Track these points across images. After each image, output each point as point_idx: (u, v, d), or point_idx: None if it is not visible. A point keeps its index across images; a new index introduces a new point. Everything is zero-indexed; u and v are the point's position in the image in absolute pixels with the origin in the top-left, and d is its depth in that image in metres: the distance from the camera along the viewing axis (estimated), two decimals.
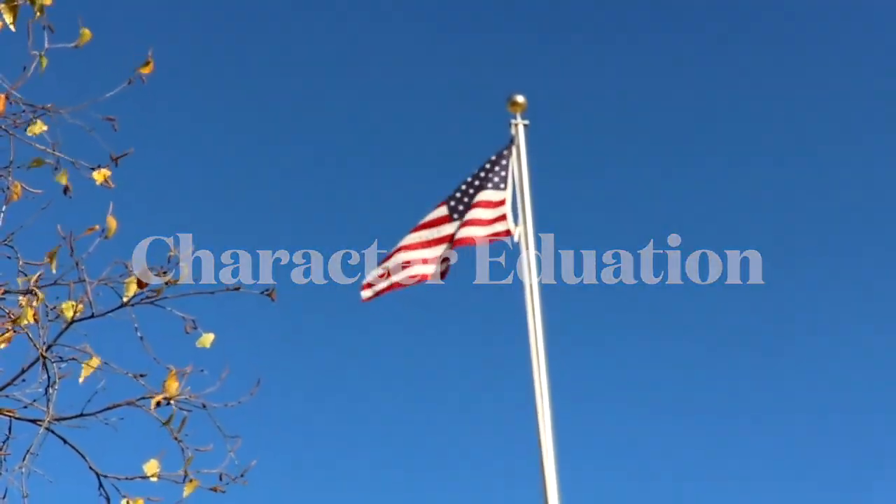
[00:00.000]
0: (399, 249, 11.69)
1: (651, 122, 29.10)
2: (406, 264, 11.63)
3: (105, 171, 6.02)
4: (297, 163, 28.70)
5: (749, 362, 26.95)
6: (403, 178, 28.59)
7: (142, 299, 5.99)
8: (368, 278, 11.75)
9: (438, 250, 11.61)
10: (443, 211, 11.77)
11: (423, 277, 11.67)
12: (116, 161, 6.11)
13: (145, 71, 6.21)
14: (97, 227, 5.82)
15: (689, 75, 29.29)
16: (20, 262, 5.90)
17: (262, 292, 6.15)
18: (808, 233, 28.29)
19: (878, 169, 27.41)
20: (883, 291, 26.57)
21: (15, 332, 5.81)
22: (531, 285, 11.17)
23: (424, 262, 11.59)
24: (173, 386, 5.92)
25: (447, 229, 11.66)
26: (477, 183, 11.72)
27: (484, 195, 11.62)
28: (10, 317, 5.70)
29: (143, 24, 26.38)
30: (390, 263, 11.70)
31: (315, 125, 28.91)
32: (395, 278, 11.65)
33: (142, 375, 6.00)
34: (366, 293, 11.78)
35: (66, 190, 6.22)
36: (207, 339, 6.09)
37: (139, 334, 5.98)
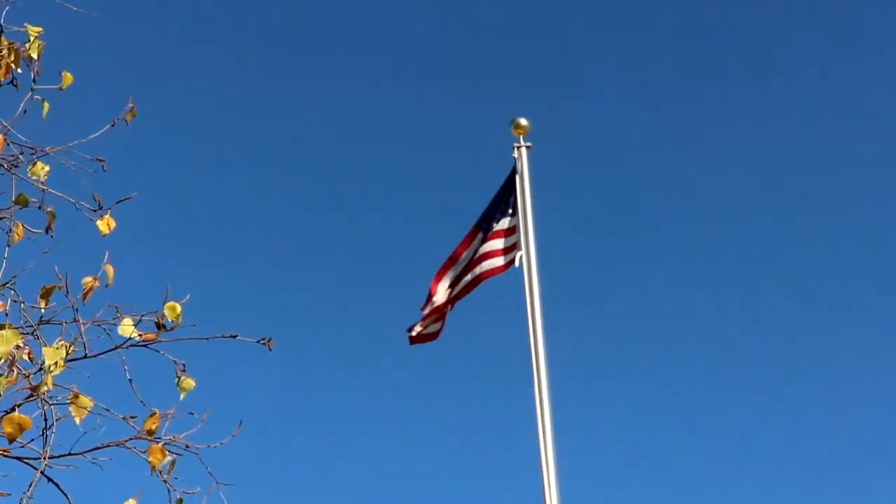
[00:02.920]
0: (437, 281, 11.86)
1: (653, 142, 29.26)
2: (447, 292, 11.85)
3: (110, 220, 6.07)
4: (295, 195, 28.71)
5: (746, 363, 27.18)
6: (407, 204, 28.63)
7: (136, 343, 6.04)
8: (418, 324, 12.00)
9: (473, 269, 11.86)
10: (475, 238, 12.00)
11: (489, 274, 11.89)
12: (106, 206, 6.17)
13: (129, 117, 6.30)
14: (97, 282, 5.86)
15: (691, 96, 29.45)
16: (22, 305, 5.95)
17: (258, 341, 6.18)
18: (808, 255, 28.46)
19: None
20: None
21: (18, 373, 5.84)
22: (533, 309, 11.16)
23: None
24: (154, 426, 5.96)
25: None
26: (495, 212, 11.90)
27: (500, 224, 11.76)
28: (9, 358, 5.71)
29: (127, 65, 26.53)
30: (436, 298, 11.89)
31: (312, 153, 28.90)
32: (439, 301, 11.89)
33: (132, 417, 6.06)
34: (414, 333, 12.00)
35: (47, 229, 6.29)
36: (188, 383, 6.11)
37: (129, 377, 6.04)
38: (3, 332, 5.18)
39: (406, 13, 28.34)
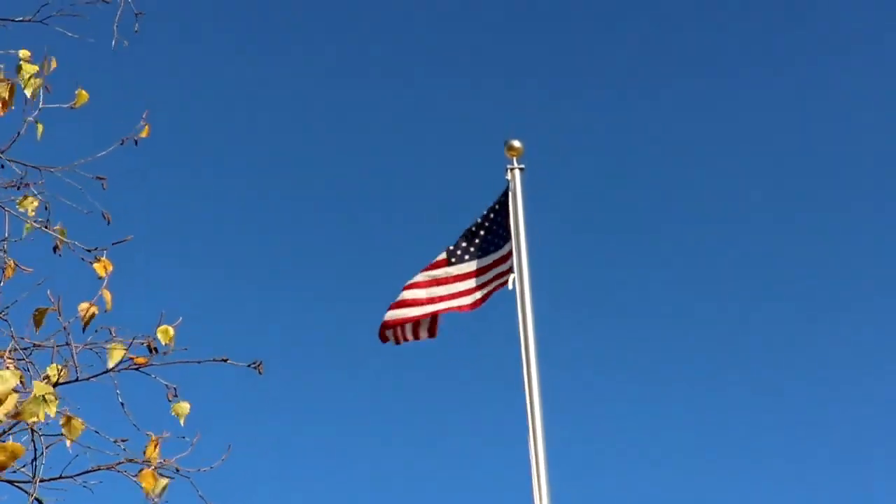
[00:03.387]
0: (410, 300, 11.84)
1: (646, 164, 29.41)
2: (421, 317, 11.83)
3: (107, 263, 6.06)
4: (291, 214, 28.93)
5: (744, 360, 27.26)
6: (401, 225, 28.76)
7: (127, 366, 6.03)
8: (387, 319, 11.94)
9: (450, 302, 11.82)
10: (452, 268, 11.95)
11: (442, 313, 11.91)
12: (106, 247, 6.18)
13: (142, 135, 6.28)
14: (95, 308, 5.85)
15: (684, 117, 29.58)
16: (14, 339, 5.94)
17: (249, 365, 6.18)
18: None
19: None
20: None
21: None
22: (526, 331, 11.12)
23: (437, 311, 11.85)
24: (154, 453, 5.96)
25: (455, 282, 11.84)
26: (474, 243, 11.89)
27: (483, 261, 11.79)
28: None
29: (139, 85, 26.46)
30: (407, 311, 11.85)
31: (308, 174, 28.96)
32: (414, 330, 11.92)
33: (123, 440, 6.04)
34: (387, 333, 12.00)
35: (55, 248, 6.29)
36: (182, 408, 6.11)
37: (120, 401, 6.03)
38: (3, 372, 5.14)
39: (402, 29, 28.44)
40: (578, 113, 29.96)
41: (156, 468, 5.93)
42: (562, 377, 23.41)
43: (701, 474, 25.43)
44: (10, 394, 5.39)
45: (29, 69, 5.75)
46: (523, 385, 10.77)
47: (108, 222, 6.40)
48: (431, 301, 11.77)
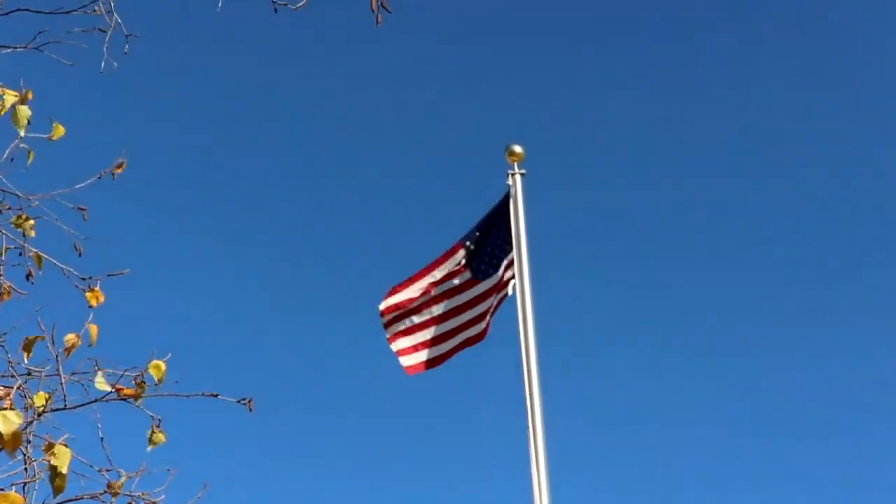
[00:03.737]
0: (419, 307, 11.92)
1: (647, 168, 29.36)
2: (447, 335, 11.86)
3: (99, 294, 6.06)
4: (290, 220, 28.51)
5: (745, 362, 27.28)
6: (400, 232, 28.54)
7: (115, 397, 6.03)
8: (398, 338, 11.97)
9: (476, 312, 11.86)
10: (466, 273, 11.99)
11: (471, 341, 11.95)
12: (95, 277, 6.20)
13: (118, 170, 6.29)
14: (80, 341, 5.84)
15: (686, 121, 29.54)
16: (10, 364, 5.95)
17: (239, 401, 6.16)
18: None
19: None
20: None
21: None
22: (526, 335, 11.09)
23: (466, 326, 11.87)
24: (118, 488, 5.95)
25: (476, 293, 11.90)
26: (489, 250, 11.91)
27: (490, 281, 11.84)
28: None
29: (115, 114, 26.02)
30: (426, 334, 11.91)
31: (308, 177, 28.73)
32: (440, 349, 11.90)
33: (108, 470, 6.05)
34: (407, 362, 11.95)
35: (28, 276, 6.31)
36: (158, 438, 6.10)
37: (101, 434, 6.05)
38: (6, 412, 5.12)
39: (405, 34, 28.13)
40: (580, 117, 29.78)
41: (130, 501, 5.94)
42: (564, 382, 23.53)
43: (708, 477, 25.50)
44: (17, 433, 5.40)
45: (10, 98, 5.71)
46: (524, 390, 10.76)
47: (80, 254, 6.41)
48: (447, 333, 11.87)
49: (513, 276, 11.58)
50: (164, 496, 5.89)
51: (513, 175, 11.82)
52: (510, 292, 11.62)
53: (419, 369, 11.85)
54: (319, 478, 25.60)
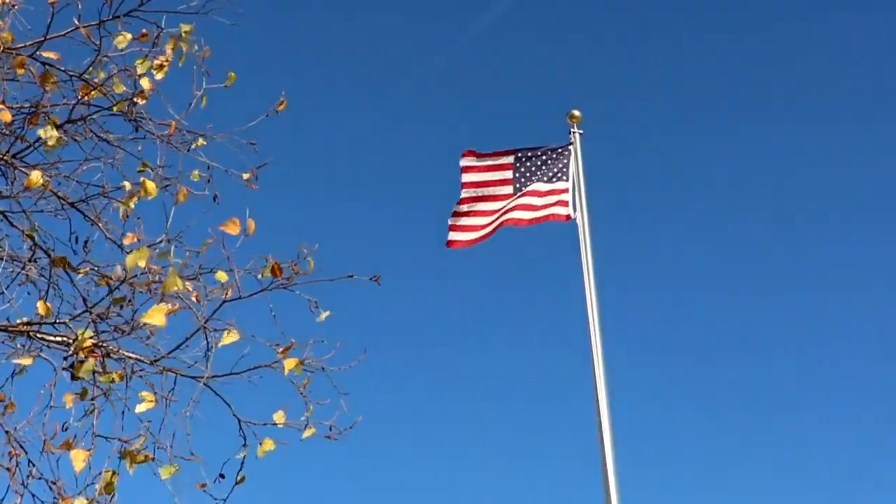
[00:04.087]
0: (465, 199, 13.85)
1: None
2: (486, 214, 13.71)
3: (248, 175, 7.77)
4: (397, 156, 33.03)
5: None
6: None
7: (277, 285, 7.64)
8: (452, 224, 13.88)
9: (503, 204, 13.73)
10: (508, 172, 13.80)
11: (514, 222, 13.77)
12: (256, 172, 7.91)
13: (280, 108, 7.97)
14: (238, 222, 7.40)
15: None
16: (187, 255, 7.59)
17: (370, 278, 7.79)
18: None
19: None
20: None
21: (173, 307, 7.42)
22: (589, 273, 12.76)
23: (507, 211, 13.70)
24: (291, 362, 7.52)
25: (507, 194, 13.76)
26: (535, 169, 13.62)
27: (537, 186, 13.46)
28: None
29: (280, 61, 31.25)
30: (470, 220, 13.70)
31: (417, 125, 33.41)
32: (479, 232, 13.72)
33: (277, 344, 7.63)
34: (454, 237, 13.84)
35: (215, 198, 7.97)
36: (323, 315, 7.72)
37: (273, 314, 7.64)
38: (138, 251, 6.68)
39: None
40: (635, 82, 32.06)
41: (301, 362, 7.52)
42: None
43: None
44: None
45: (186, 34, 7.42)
46: (586, 310, 12.41)
47: (255, 177, 8.05)
48: (496, 212, 13.68)
49: (567, 204, 13.33)
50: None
51: (573, 134, 13.62)
52: (577, 221, 13.28)
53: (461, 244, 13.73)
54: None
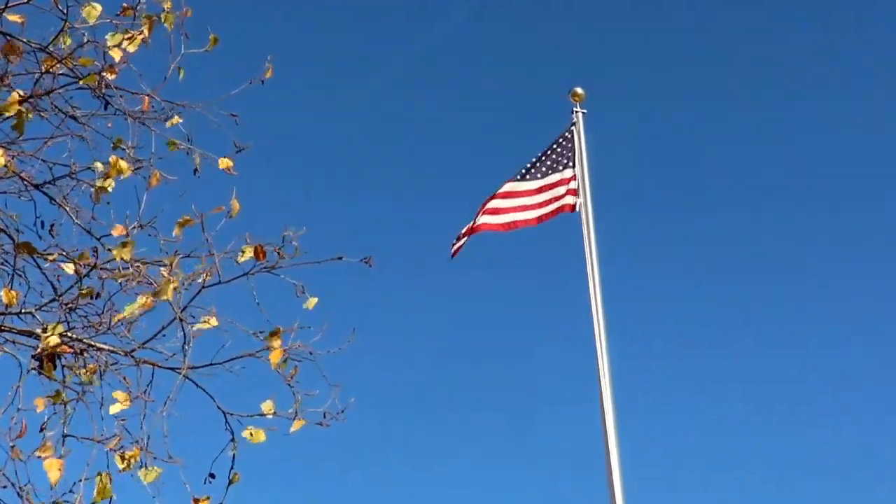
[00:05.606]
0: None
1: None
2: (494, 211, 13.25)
3: (228, 161, 7.16)
4: (395, 144, 32.02)
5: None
6: (478, 156, 30.62)
7: (261, 268, 7.11)
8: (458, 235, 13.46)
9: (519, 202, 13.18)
10: (520, 183, 13.30)
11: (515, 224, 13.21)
12: (238, 150, 7.31)
13: (267, 76, 7.38)
14: (223, 207, 6.92)
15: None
16: (161, 241, 7.04)
17: (360, 260, 7.25)
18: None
19: None
20: None
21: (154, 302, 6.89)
22: (591, 253, 12.23)
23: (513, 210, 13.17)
24: (277, 354, 6.99)
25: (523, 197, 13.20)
26: (543, 165, 13.07)
27: (547, 179, 12.91)
28: (154, 286, 6.79)
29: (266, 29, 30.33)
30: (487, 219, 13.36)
31: (409, 108, 32.55)
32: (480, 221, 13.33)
33: (260, 332, 7.10)
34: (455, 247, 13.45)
35: (195, 171, 7.39)
36: (311, 301, 7.18)
37: (256, 300, 7.10)
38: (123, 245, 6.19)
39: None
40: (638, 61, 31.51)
41: (287, 351, 6.99)
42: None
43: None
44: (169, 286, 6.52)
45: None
46: (589, 296, 11.91)
47: (239, 150, 7.47)
48: (504, 210, 13.09)
49: (574, 193, 12.79)
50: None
51: (576, 113, 13.11)
52: (577, 209, 12.75)
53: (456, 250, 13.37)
54: None
